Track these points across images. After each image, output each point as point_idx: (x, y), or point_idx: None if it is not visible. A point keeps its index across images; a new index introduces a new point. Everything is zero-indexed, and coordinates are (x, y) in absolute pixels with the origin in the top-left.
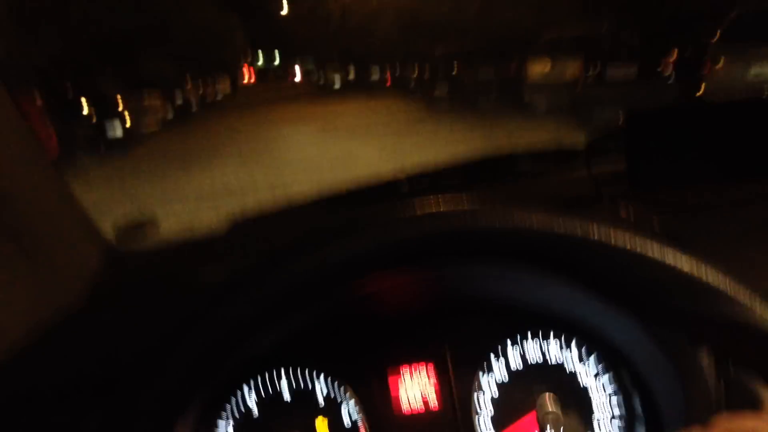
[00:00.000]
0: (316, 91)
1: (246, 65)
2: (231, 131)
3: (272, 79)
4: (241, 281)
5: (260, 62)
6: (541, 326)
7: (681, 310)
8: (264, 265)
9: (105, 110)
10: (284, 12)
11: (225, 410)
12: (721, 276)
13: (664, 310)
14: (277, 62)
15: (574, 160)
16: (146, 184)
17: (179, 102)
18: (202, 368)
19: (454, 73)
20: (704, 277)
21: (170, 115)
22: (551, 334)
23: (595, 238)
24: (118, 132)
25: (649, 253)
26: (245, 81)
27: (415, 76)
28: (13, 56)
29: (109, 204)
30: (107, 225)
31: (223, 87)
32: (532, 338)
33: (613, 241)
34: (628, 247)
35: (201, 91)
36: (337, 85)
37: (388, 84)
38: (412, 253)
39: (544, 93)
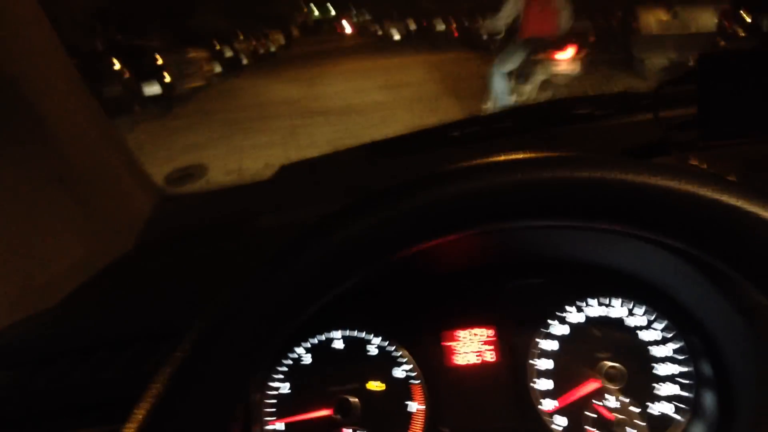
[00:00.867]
0: (374, 42)
1: (300, 17)
2: (282, 84)
3: (326, 31)
4: (300, 243)
5: (315, 14)
6: (605, 289)
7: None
8: (321, 227)
9: (142, 67)
10: None
11: (281, 366)
12: None
13: (750, 271)
14: (333, 14)
15: (639, 105)
16: (193, 135)
17: (229, 55)
18: (265, 332)
19: None
20: None
21: (217, 69)
22: (616, 299)
23: (686, 189)
24: (155, 89)
25: (738, 204)
26: (297, 34)
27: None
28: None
29: (157, 154)
30: (157, 172)
31: (276, 39)
32: (597, 303)
33: (704, 192)
34: (723, 199)
35: (253, 45)
36: (396, 37)
37: (455, 35)
38: (465, 215)
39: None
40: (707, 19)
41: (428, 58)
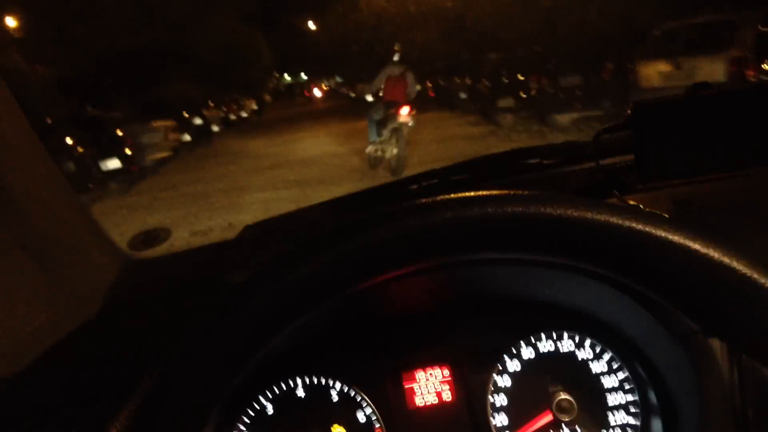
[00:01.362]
0: (347, 104)
1: (272, 82)
2: (252, 152)
3: (299, 94)
4: (252, 285)
5: (287, 79)
6: (554, 324)
7: (698, 300)
8: (276, 265)
9: (100, 141)
10: (312, 27)
11: (244, 416)
12: (740, 262)
13: (681, 300)
14: (305, 78)
15: (583, 153)
16: (153, 216)
17: (198, 123)
18: (220, 375)
19: (523, 79)
20: (729, 263)
21: (186, 138)
22: (564, 333)
23: (626, 224)
24: (115, 164)
25: (673, 239)
26: (269, 99)
27: (468, 83)
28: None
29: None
30: (120, 235)
31: (248, 105)
32: (546, 338)
33: (642, 227)
34: (657, 233)
35: (224, 111)
36: (369, 98)
37: (431, 95)
38: (425, 247)
39: None
40: (712, 68)
41: None
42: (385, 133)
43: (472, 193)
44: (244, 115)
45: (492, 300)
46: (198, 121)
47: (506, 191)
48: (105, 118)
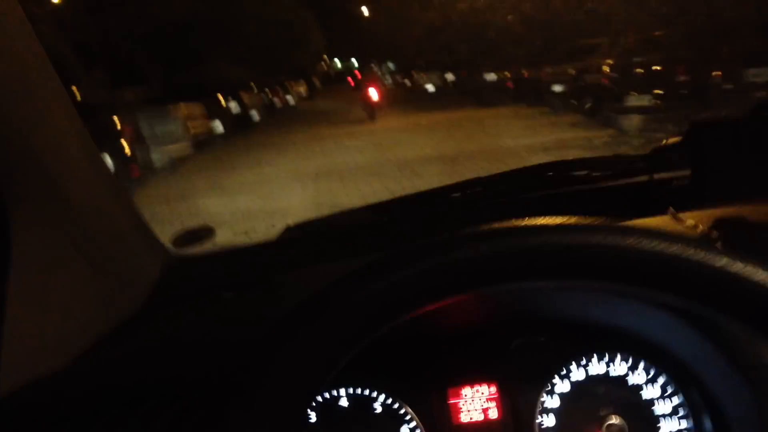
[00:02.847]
0: (404, 95)
1: (321, 68)
2: (294, 151)
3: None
4: (320, 308)
5: (338, 66)
6: (606, 346)
7: (759, 328)
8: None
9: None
10: (366, 14)
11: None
12: None
13: (742, 326)
14: (356, 65)
15: (634, 169)
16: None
17: (236, 111)
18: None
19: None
20: None
21: (218, 129)
22: (617, 356)
23: (691, 257)
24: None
25: (730, 269)
26: (319, 84)
27: (572, 73)
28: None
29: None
30: (165, 234)
31: (297, 91)
32: (598, 360)
33: (702, 259)
34: (717, 265)
35: (270, 97)
36: (431, 89)
37: (509, 86)
38: (489, 275)
39: None
40: None
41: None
42: None
43: (559, 220)
44: (291, 101)
45: (542, 320)
46: (234, 107)
47: (592, 222)
48: (104, 102)
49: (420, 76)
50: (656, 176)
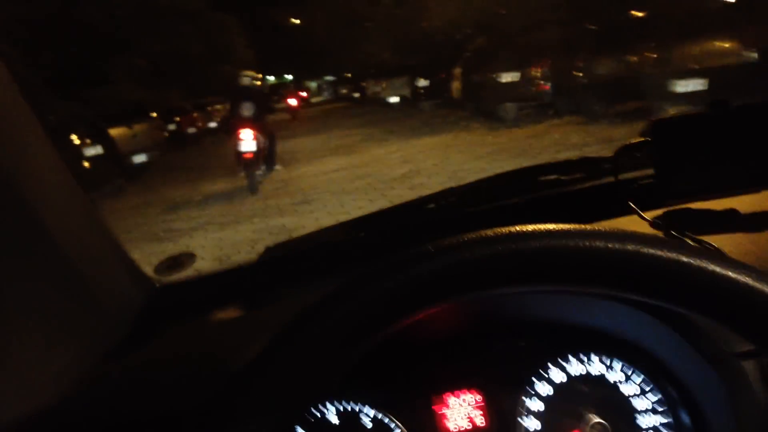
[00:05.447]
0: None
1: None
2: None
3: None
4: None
5: (270, 80)
6: (583, 346)
7: (729, 321)
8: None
9: None
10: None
11: None
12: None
13: (711, 321)
14: (290, 79)
15: (600, 170)
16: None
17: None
18: (265, 406)
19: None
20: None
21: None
22: (592, 355)
23: (650, 255)
24: None
25: (699, 264)
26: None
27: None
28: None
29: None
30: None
31: (219, 112)
32: (576, 361)
33: (675, 257)
34: (686, 260)
35: (177, 122)
36: (394, 100)
37: (542, 89)
38: (470, 282)
39: None
40: None
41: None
42: None
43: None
44: (212, 124)
45: (520, 324)
46: (93, 149)
47: (549, 227)
48: None
49: (374, 85)
50: (621, 177)
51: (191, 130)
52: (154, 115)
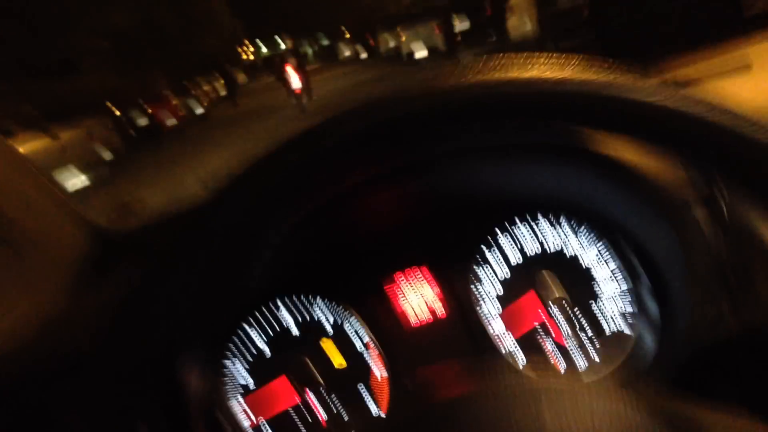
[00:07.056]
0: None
1: (243, 55)
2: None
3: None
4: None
5: (263, 51)
6: (529, 211)
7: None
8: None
9: None
10: None
11: (230, 350)
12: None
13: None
14: (282, 46)
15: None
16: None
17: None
18: (200, 305)
19: None
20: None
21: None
22: (539, 215)
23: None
24: None
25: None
26: (243, 79)
27: None
28: None
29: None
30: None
31: (206, 93)
32: (521, 222)
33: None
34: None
35: (151, 112)
36: (420, 53)
37: None
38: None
39: None
40: None
41: None
42: None
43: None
44: (199, 111)
45: (466, 202)
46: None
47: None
48: None
49: (390, 38)
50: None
51: (171, 122)
52: (115, 110)
